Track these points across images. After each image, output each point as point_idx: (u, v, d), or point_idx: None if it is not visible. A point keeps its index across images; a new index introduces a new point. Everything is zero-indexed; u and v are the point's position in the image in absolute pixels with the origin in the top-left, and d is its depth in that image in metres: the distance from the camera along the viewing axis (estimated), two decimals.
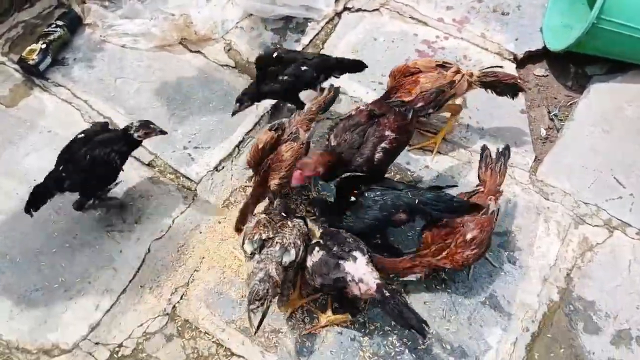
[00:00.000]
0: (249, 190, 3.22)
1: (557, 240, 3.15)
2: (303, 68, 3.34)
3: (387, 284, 2.65)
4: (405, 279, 2.84)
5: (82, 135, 3.01)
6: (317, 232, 3.02)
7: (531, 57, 3.99)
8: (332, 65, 3.44)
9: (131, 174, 3.34)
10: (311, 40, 4.04)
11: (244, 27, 4.12)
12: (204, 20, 4.01)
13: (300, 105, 3.44)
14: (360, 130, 2.85)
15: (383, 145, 2.83)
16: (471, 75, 3.24)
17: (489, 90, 3.32)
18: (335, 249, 2.65)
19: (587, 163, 3.45)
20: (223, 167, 3.43)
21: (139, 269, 3.04)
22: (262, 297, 2.48)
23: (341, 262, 2.60)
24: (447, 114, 3.46)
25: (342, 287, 2.59)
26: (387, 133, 2.84)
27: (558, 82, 3.90)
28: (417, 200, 2.76)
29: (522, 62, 3.97)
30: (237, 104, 3.36)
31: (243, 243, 2.74)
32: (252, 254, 2.65)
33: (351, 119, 2.91)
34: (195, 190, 3.34)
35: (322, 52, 3.93)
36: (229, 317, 2.89)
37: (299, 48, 3.97)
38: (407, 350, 2.78)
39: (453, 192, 2.96)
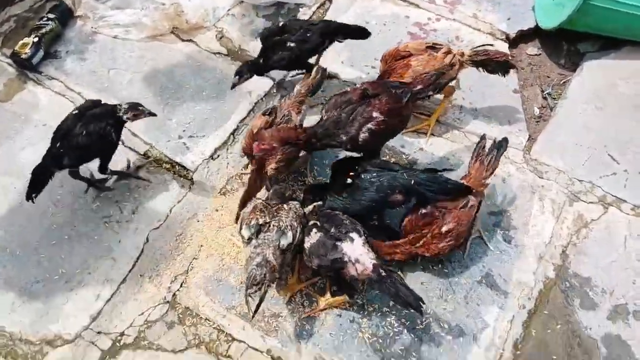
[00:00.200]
0: (245, 178, 3.24)
1: (552, 218, 3.17)
2: (309, 34, 3.36)
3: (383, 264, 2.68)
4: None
5: (76, 111, 3.03)
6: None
7: (523, 37, 3.99)
8: (335, 30, 3.46)
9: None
10: None
11: (235, 15, 4.12)
12: (195, 8, 4.00)
13: (310, 67, 3.44)
14: (351, 109, 2.85)
15: (369, 126, 2.83)
16: (462, 54, 3.24)
17: (481, 69, 3.32)
18: (332, 230, 2.68)
19: (581, 141, 3.45)
20: (218, 156, 3.44)
21: (138, 258, 3.06)
22: (260, 281, 2.49)
23: (338, 243, 2.63)
24: (440, 96, 3.46)
25: (340, 268, 2.62)
26: (375, 114, 2.84)
27: (551, 60, 3.90)
28: (412, 181, 2.79)
29: (514, 42, 3.97)
30: (237, 77, 3.36)
31: (240, 229, 2.75)
32: (250, 239, 2.67)
33: (344, 95, 2.92)
34: (192, 179, 3.35)
35: None
36: (229, 303, 2.91)
37: None
38: (405, 331, 2.81)
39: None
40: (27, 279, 3.00)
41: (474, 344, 2.78)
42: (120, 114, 3.03)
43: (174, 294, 2.94)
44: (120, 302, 2.93)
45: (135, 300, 2.93)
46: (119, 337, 2.83)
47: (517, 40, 3.97)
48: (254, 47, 3.81)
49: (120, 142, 3.13)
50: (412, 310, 2.57)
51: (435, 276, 2.97)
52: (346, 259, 2.60)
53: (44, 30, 3.87)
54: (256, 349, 2.77)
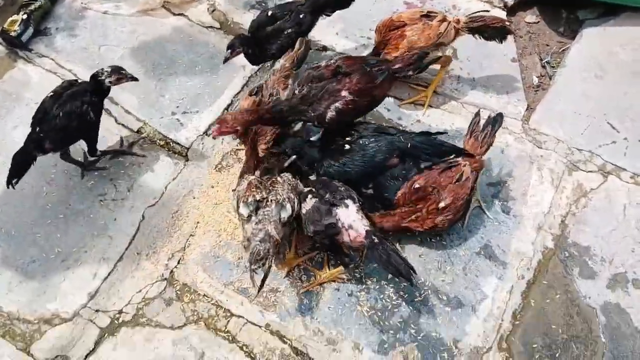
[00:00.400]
0: (240, 153, 3.20)
1: (550, 187, 3.14)
2: (301, 15, 3.34)
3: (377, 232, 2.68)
4: None
5: (52, 93, 2.98)
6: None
7: (522, 4, 3.91)
8: (323, 4, 3.42)
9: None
10: None
11: None
12: None
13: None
14: (321, 86, 2.81)
15: (337, 105, 2.79)
16: (458, 22, 3.18)
17: (478, 36, 3.26)
18: (327, 196, 2.70)
19: (580, 109, 3.41)
20: None
21: (134, 236, 3.05)
22: (264, 256, 2.50)
23: (333, 208, 2.64)
24: (437, 66, 3.40)
25: (334, 234, 2.62)
26: (343, 93, 2.80)
27: (549, 28, 3.83)
28: (409, 145, 2.80)
29: (512, 10, 3.89)
30: (229, 51, 3.31)
31: (238, 207, 2.73)
32: (249, 216, 2.65)
33: (317, 70, 2.88)
34: (186, 155, 3.32)
35: None
36: (227, 279, 2.90)
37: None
38: (403, 303, 2.80)
39: None
40: (24, 259, 2.99)
41: (472, 315, 2.77)
42: (103, 78, 2.98)
43: (172, 271, 2.93)
44: (118, 279, 2.92)
45: (132, 278, 2.92)
46: (117, 315, 2.82)
47: (516, 8, 3.89)
48: (247, 20, 3.73)
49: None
50: (402, 279, 2.58)
51: (433, 248, 2.96)
52: (340, 224, 2.61)
53: (32, 7, 3.81)
54: (255, 324, 2.77)
